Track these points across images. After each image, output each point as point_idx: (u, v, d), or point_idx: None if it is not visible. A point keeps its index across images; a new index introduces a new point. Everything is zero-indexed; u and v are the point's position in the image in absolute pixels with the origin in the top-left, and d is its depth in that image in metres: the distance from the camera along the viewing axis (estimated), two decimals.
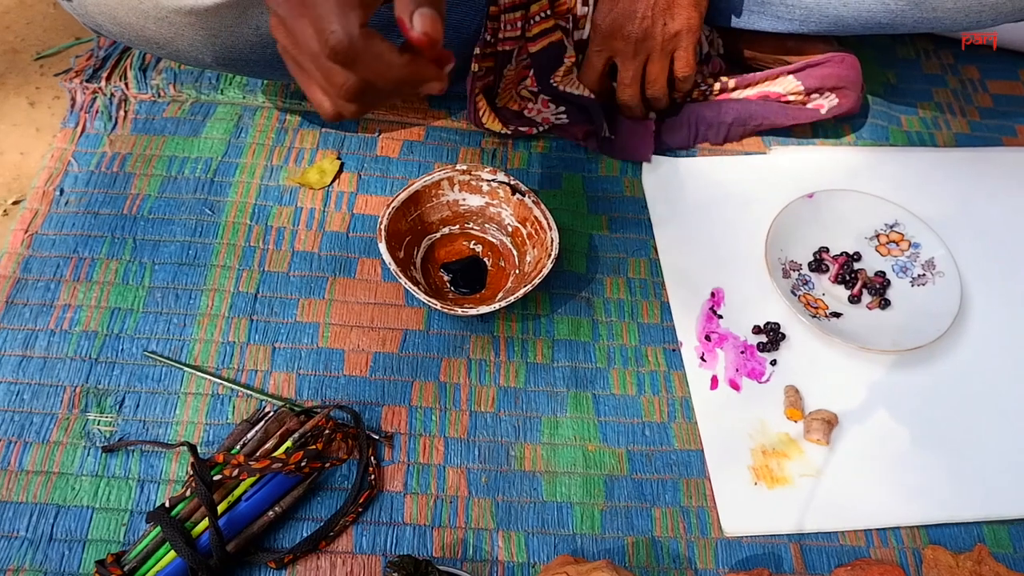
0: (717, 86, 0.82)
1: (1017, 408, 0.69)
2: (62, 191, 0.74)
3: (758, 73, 0.82)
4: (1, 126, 0.80)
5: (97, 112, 0.79)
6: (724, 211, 0.78)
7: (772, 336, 0.70)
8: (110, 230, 0.73)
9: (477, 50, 0.76)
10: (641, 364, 0.70)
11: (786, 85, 0.81)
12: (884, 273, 0.75)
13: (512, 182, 0.72)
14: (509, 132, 0.80)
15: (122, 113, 0.80)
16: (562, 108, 0.81)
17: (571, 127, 0.81)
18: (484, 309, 0.65)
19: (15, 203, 0.75)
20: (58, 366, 0.65)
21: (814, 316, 0.71)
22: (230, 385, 0.65)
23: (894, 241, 0.76)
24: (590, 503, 0.63)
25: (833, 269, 0.75)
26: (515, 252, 0.73)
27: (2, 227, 0.73)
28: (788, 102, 0.82)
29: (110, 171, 0.76)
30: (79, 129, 0.78)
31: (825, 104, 0.81)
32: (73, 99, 0.80)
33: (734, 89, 0.82)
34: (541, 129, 0.81)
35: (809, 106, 0.82)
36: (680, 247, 0.76)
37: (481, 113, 0.79)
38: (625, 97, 0.78)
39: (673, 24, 0.73)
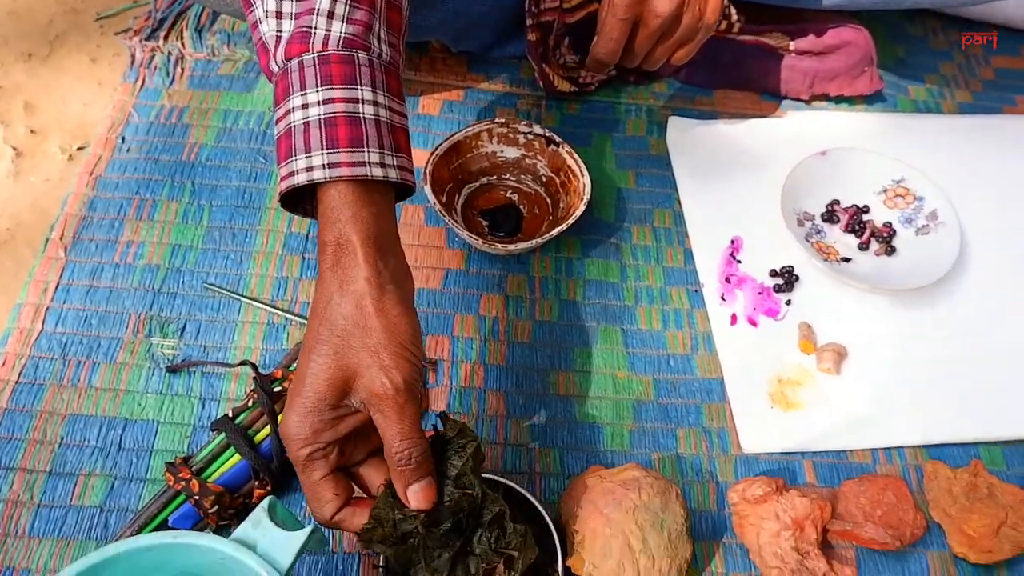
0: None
1: (1010, 340, 0.75)
2: (123, 139, 0.80)
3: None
4: (65, 79, 0.85)
5: (156, 69, 0.85)
6: (743, 167, 0.84)
7: (787, 278, 0.75)
8: (170, 175, 0.78)
9: (529, 20, 0.81)
10: (666, 303, 0.75)
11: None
12: (891, 223, 0.80)
13: (547, 134, 0.77)
14: (577, 89, 0.86)
15: (179, 70, 0.85)
16: (612, 68, 0.86)
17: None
18: (522, 245, 0.71)
19: (80, 149, 0.80)
20: (123, 295, 0.70)
21: (826, 260, 0.76)
22: (284, 314, 0.70)
23: (900, 195, 0.82)
24: (619, 424, 0.67)
25: (844, 219, 0.81)
26: (549, 200, 0.78)
27: (68, 170, 0.79)
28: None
29: (168, 122, 0.81)
30: (139, 84, 0.84)
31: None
32: (133, 56, 0.85)
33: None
34: (596, 86, 0.88)
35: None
36: (702, 199, 0.81)
37: (552, 78, 0.85)
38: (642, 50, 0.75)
39: None
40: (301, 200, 0.54)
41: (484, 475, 0.60)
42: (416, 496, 0.47)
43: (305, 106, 0.50)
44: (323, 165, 0.49)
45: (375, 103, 0.51)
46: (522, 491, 0.57)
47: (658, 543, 0.55)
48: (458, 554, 0.49)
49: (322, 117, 0.50)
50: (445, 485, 0.49)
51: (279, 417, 0.62)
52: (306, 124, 0.50)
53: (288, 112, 0.51)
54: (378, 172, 0.50)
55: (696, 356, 0.72)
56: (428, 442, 0.48)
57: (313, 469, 0.47)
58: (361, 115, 0.50)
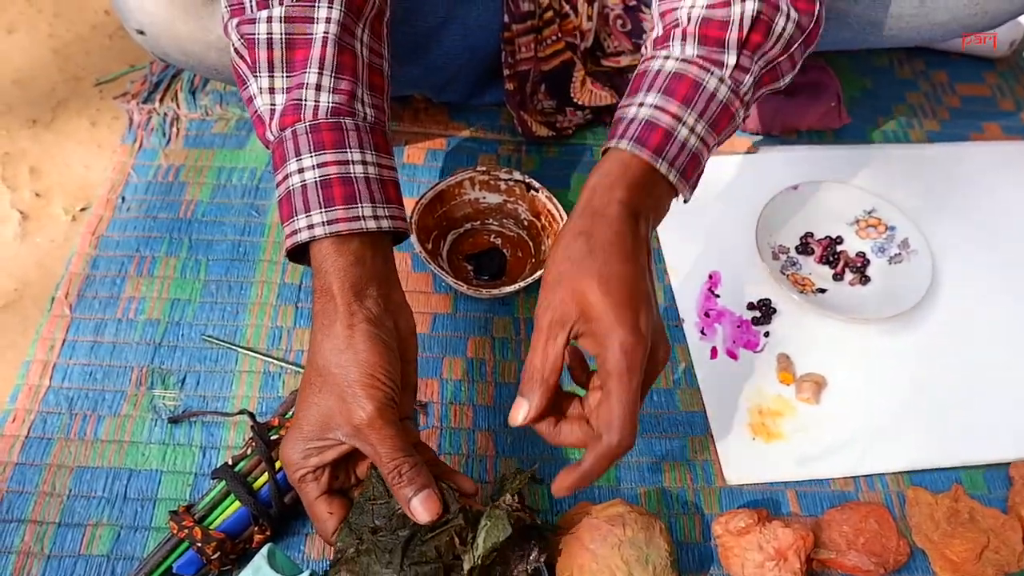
0: None
1: (987, 365, 0.77)
2: (123, 199, 0.83)
3: None
4: (67, 144, 0.89)
5: (152, 129, 0.89)
6: (718, 203, 0.87)
7: (764, 311, 0.78)
8: (168, 231, 0.81)
9: (507, 71, 0.85)
10: None
11: None
12: (864, 253, 0.83)
13: (527, 180, 0.80)
14: (554, 134, 0.90)
15: (175, 130, 0.89)
16: (588, 112, 0.90)
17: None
18: (506, 289, 0.74)
19: (82, 210, 0.84)
20: (126, 350, 0.73)
21: (802, 292, 0.79)
22: (280, 363, 0.73)
23: (872, 225, 0.84)
24: None
25: (818, 251, 0.83)
26: (531, 243, 0.81)
27: (71, 231, 0.82)
28: None
29: (166, 180, 0.85)
30: (137, 145, 0.87)
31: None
32: (131, 118, 0.89)
33: None
34: (573, 130, 0.92)
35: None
36: (679, 237, 0.84)
37: (530, 124, 0.88)
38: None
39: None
40: (306, 253, 0.58)
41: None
42: (418, 510, 0.51)
43: (301, 170, 0.55)
44: (322, 223, 0.53)
45: (364, 162, 0.56)
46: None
47: None
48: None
49: (318, 180, 0.54)
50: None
51: (277, 464, 0.64)
52: (303, 187, 0.54)
53: (286, 177, 0.55)
54: (372, 224, 0.55)
55: (678, 391, 0.74)
56: (419, 458, 0.53)
57: (307, 490, 0.54)
58: (352, 175, 0.55)
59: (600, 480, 0.68)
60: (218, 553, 0.58)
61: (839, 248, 0.84)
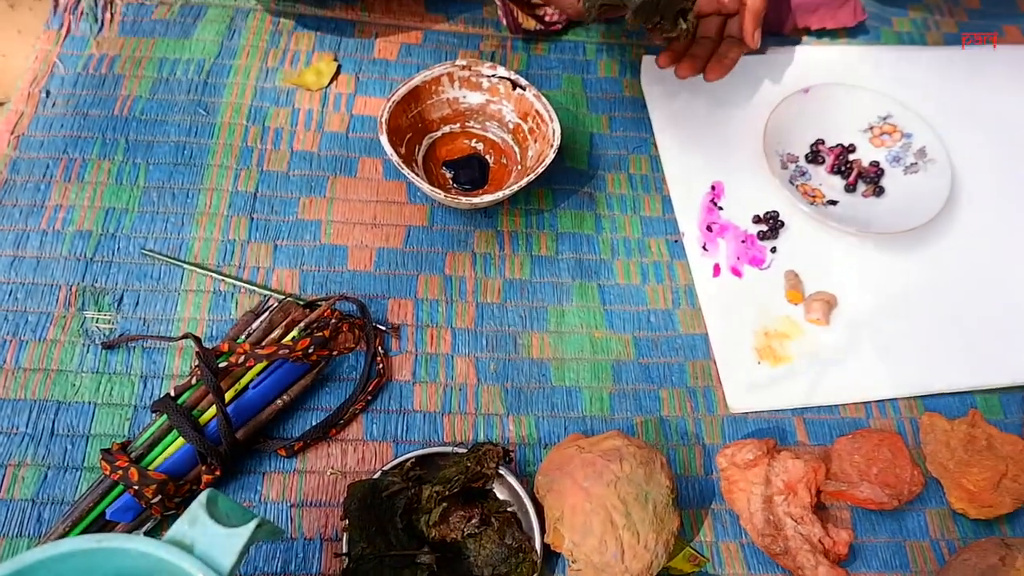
0: None
1: (1005, 283, 0.71)
2: (48, 92, 0.72)
3: None
4: None
5: (82, 14, 0.77)
6: (722, 108, 0.78)
7: (772, 224, 0.71)
8: (100, 131, 0.71)
9: None
10: (644, 255, 0.70)
11: None
12: (878, 163, 0.76)
13: (512, 77, 0.71)
14: (543, 28, 0.80)
15: (108, 15, 0.77)
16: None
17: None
18: (488, 198, 0.65)
19: None
20: (52, 265, 0.64)
21: (812, 204, 0.71)
22: (232, 281, 0.64)
23: (887, 132, 0.77)
24: (598, 387, 0.63)
25: (829, 160, 0.76)
26: (516, 149, 0.72)
27: None
28: None
29: (98, 73, 0.74)
30: (64, 31, 0.76)
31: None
32: (56, 1, 0.77)
33: None
34: (564, 24, 0.81)
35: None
36: (680, 143, 0.76)
37: (517, 15, 0.78)
38: None
39: None
40: None
41: (453, 449, 0.56)
42: None
43: None
44: None
45: None
46: (495, 464, 0.53)
47: (642, 517, 0.51)
48: None
49: None
50: None
51: (227, 394, 0.57)
52: None
53: None
54: None
55: (678, 311, 0.67)
56: None
57: None
58: None
59: (592, 409, 0.62)
60: (159, 497, 0.51)
61: (851, 157, 0.76)
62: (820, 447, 0.62)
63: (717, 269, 0.69)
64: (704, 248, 0.70)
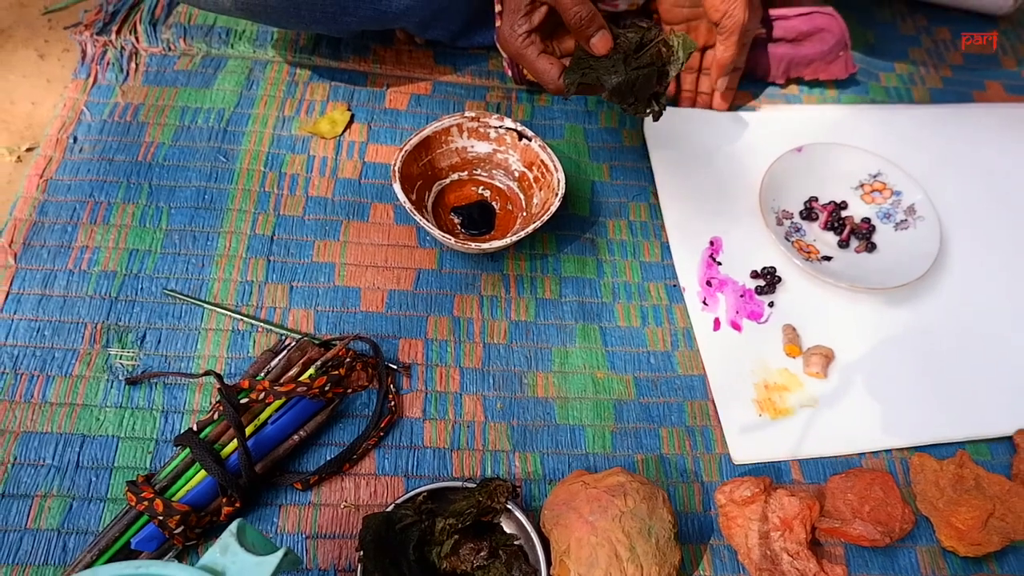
0: None
1: (995, 337, 0.74)
2: (75, 139, 0.76)
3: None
4: (11, 77, 0.81)
5: (108, 64, 0.81)
6: (720, 164, 0.82)
7: (769, 279, 0.73)
8: (125, 176, 0.74)
9: (498, 7, 0.78)
10: (644, 298, 0.73)
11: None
12: (869, 219, 0.79)
13: (519, 128, 0.75)
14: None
15: (133, 65, 0.81)
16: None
17: None
18: (496, 244, 0.68)
19: (28, 150, 0.76)
20: (78, 304, 0.67)
21: (807, 260, 0.75)
22: (250, 320, 0.67)
23: (877, 189, 0.81)
24: (601, 425, 0.66)
25: (823, 217, 0.79)
26: (522, 196, 0.76)
27: (16, 173, 0.74)
28: None
29: (123, 120, 0.77)
30: (91, 80, 0.79)
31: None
32: (84, 51, 0.81)
33: None
34: None
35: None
36: (680, 199, 0.79)
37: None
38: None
39: None
40: None
41: (463, 483, 0.58)
42: (595, 44, 0.64)
43: None
44: None
45: None
46: (504, 498, 0.56)
47: (646, 551, 0.53)
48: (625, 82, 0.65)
49: None
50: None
51: (247, 429, 0.59)
52: None
53: None
54: None
55: (676, 353, 0.70)
56: (593, 6, 0.63)
57: (527, 52, 0.66)
58: None
59: (595, 446, 0.64)
60: (182, 527, 0.53)
61: (844, 214, 0.79)
62: (814, 485, 0.64)
63: (717, 323, 0.72)
64: (704, 303, 0.73)
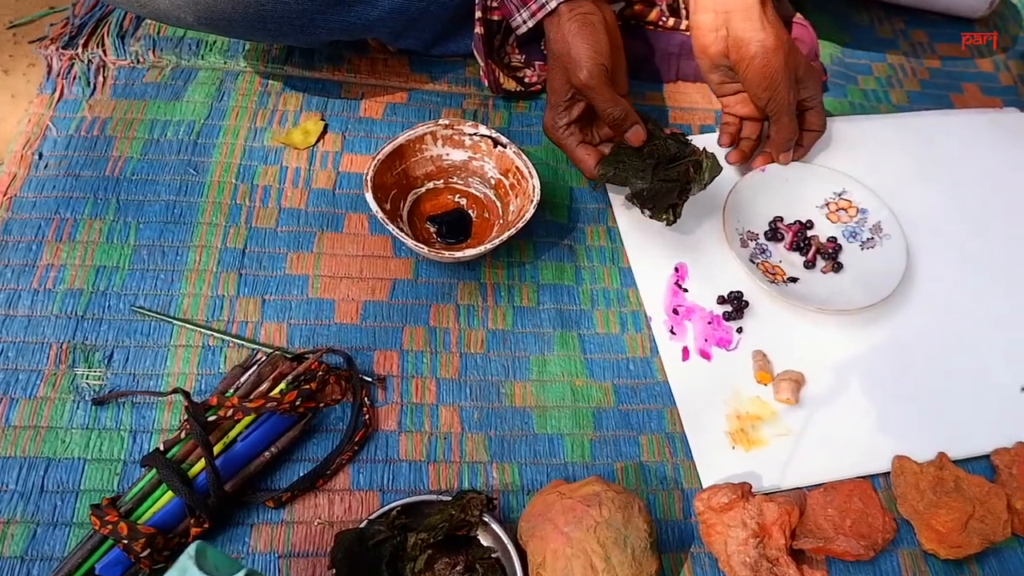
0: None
1: (966, 355, 0.72)
2: (40, 155, 0.74)
3: None
4: None
5: (75, 78, 0.79)
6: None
7: (736, 304, 0.72)
8: (92, 191, 0.73)
9: (479, 13, 0.78)
10: (623, 304, 0.72)
11: None
12: (835, 238, 0.77)
13: (493, 135, 0.74)
14: (523, 88, 0.84)
15: (101, 79, 0.80)
16: None
17: None
18: (470, 252, 0.67)
19: None
20: (43, 324, 0.65)
21: (772, 282, 0.73)
22: (221, 336, 0.66)
23: (843, 208, 0.79)
24: (580, 434, 0.65)
25: (788, 237, 0.77)
26: (498, 203, 0.75)
27: None
28: None
29: (90, 135, 0.76)
30: (56, 95, 0.78)
31: None
32: (49, 66, 0.80)
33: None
34: (543, 85, 0.84)
35: None
36: (641, 227, 0.77)
37: (498, 76, 0.82)
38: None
39: None
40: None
41: (438, 497, 0.57)
42: (630, 138, 0.70)
43: None
44: None
45: None
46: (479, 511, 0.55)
47: (622, 561, 0.52)
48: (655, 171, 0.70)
49: None
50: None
51: (216, 447, 0.58)
52: None
53: None
54: None
55: (656, 359, 0.69)
56: (628, 102, 0.70)
57: (568, 141, 0.72)
58: None
59: (574, 455, 0.63)
60: (148, 550, 0.52)
61: (810, 233, 0.78)
62: (795, 490, 0.64)
63: (686, 352, 0.70)
64: (672, 332, 0.71)
